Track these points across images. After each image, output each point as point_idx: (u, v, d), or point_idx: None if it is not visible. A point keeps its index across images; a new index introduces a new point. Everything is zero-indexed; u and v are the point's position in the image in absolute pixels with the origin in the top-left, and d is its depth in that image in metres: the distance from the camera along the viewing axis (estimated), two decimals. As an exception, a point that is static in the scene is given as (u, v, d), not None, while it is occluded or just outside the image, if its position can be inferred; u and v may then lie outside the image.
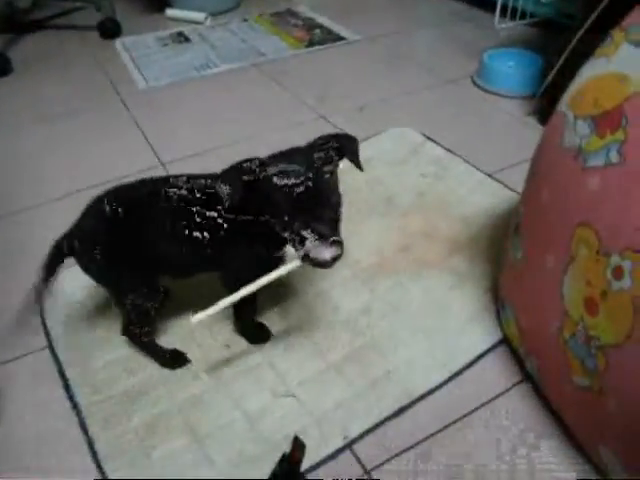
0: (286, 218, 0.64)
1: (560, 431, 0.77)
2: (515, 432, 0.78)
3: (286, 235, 0.66)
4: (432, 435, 0.77)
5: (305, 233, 0.63)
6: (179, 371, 0.88)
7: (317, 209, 0.63)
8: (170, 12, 2.32)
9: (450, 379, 0.84)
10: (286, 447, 0.70)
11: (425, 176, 1.28)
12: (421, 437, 0.77)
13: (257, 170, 0.65)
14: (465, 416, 0.80)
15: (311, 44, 2.02)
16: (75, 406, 0.83)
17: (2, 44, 1.98)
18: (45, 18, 2.28)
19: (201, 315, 0.70)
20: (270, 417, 0.80)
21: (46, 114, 1.60)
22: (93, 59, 1.95)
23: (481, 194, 1.22)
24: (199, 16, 2.24)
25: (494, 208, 1.17)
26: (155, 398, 0.84)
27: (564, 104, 0.71)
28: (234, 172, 0.65)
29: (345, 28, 2.13)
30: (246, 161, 0.66)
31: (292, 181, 0.63)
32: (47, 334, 0.94)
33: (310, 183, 0.63)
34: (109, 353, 0.91)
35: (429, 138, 1.42)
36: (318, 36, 2.08)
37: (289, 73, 1.80)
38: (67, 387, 0.85)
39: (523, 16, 1.91)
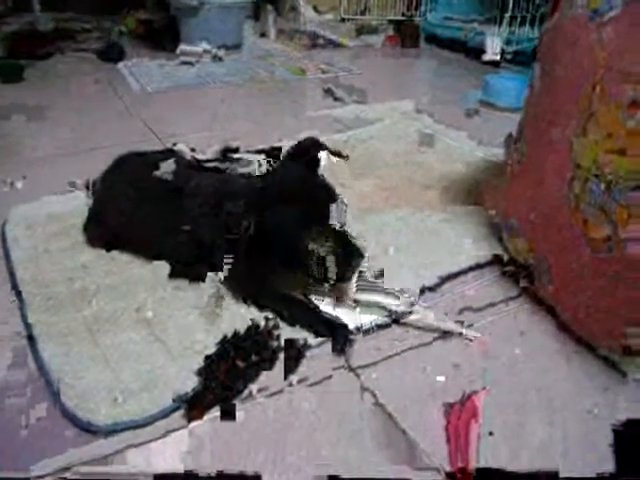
0: None
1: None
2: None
3: None
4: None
5: None
6: (150, 277, 0.80)
7: None
8: (182, 46, 2.24)
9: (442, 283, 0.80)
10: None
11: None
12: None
13: None
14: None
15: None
16: (19, 295, 0.74)
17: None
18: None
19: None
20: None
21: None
22: (96, 74, 1.91)
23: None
24: (207, 46, 2.22)
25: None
26: (114, 296, 0.75)
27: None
28: None
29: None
30: None
31: None
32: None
33: None
34: (71, 259, 0.83)
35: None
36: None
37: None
38: (15, 285, 0.77)
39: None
